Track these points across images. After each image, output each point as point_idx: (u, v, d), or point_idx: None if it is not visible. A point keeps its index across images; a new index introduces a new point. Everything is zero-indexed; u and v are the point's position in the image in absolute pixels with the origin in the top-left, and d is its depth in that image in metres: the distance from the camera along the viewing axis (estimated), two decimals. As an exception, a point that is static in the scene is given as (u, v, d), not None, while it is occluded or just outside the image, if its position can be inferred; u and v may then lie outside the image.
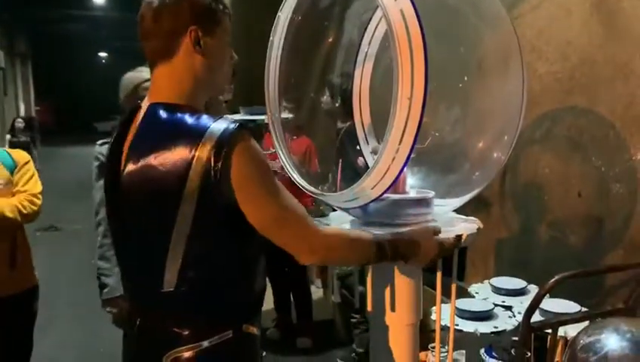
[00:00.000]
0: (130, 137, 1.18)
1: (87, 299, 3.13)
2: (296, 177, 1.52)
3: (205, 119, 1.10)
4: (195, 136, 1.07)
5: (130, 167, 1.13)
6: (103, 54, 26.48)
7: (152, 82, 1.19)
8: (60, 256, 5.73)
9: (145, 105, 1.19)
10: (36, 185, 2.24)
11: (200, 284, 1.13)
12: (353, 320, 3.09)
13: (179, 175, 1.06)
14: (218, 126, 1.08)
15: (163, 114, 1.14)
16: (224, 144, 1.06)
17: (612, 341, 1.01)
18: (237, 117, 3.03)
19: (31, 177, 2.24)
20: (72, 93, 23.67)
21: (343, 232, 1.28)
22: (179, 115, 1.12)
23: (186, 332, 1.13)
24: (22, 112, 17.00)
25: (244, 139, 1.08)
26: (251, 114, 2.93)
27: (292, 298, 3.59)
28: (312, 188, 1.49)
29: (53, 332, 3.81)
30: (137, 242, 1.19)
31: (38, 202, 2.22)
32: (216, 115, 1.16)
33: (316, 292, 3.84)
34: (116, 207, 1.20)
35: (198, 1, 1.15)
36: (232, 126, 1.08)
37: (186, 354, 1.12)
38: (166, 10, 1.13)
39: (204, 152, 1.06)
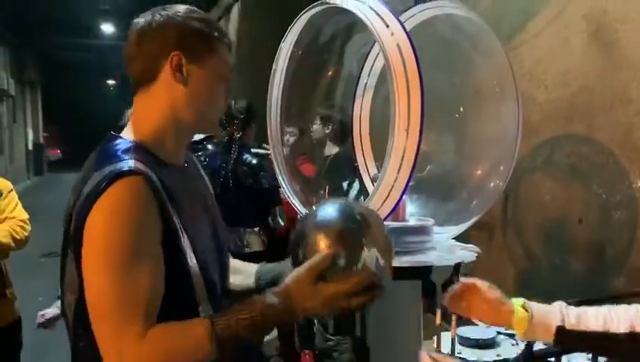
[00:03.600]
0: None
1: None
2: (297, 205, 1.54)
3: (119, 156, 0.98)
4: (97, 168, 0.97)
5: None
6: (111, 82, 26.90)
7: (132, 111, 1.09)
8: (65, 282, 5.73)
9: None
10: (22, 212, 2.28)
11: (91, 344, 0.95)
12: (330, 343, 3.08)
13: (69, 215, 0.98)
14: (115, 166, 0.96)
15: (105, 144, 1.05)
16: (101, 183, 0.93)
17: (323, 208, 1.03)
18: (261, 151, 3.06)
19: (16, 204, 2.27)
20: (80, 120, 23.98)
21: (165, 344, 0.93)
22: (110, 148, 1.02)
23: None
24: (30, 139, 17.19)
25: (117, 189, 0.93)
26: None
27: (295, 326, 3.57)
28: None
29: (55, 356, 3.80)
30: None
31: (28, 228, 2.25)
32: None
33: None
34: None
35: (186, 25, 1.03)
36: (120, 170, 0.95)
37: None
38: (150, 33, 1.03)
39: (89, 186, 0.95)
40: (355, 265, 0.93)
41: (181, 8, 1.05)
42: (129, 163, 0.97)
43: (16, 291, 2.30)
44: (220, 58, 1.05)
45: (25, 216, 2.27)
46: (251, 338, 0.94)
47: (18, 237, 2.19)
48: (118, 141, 1.04)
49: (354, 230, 0.95)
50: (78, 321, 1.00)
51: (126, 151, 1.01)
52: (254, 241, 3.13)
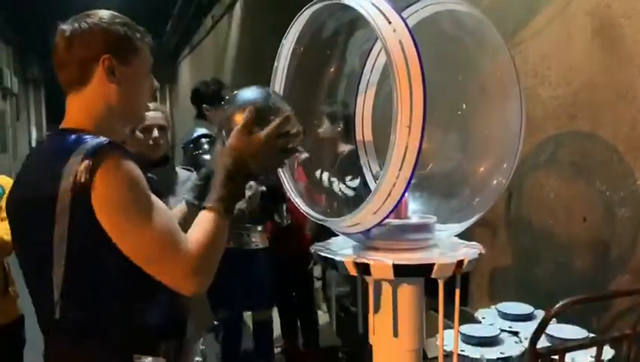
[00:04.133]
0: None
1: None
2: (299, 203, 1.53)
3: (88, 137, 1.08)
4: (70, 150, 1.05)
5: (14, 192, 1.16)
6: (114, 79, 27.01)
7: (66, 111, 1.19)
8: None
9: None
10: None
11: (84, 311, 1.09)
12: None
13: (51, 191, 1.03)
14: (93, 141, 1.06)
15: (57, 137, 1.15)
16: (90, 156, 1.03)
17: (241, 93, 1.23)
18: None
19: None
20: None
21: (201, 241, 1.10)
22: (69, 136, 1.11)
23: None
24: (33, 137, 17.23)
25: (113, 156, 1.04)
26: None
27: (299, 323, 3.57)
28: (316, 215, 1.50)
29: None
30: (28, 270, 1.16)
31: None
32: None
33: (322, 316, 3.82)
34: (13, 235, 1.21)
35: (112, 30, 1.14)
36: (105, 141, 1.06)
37: None
38: (78, 39, 1.13)
39: (73, 164, 1.02)
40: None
41: (105, 14, 1.17)
42: (102, 138, 1.08)
43: (18, 289, 2.30)
44: (143, 56, 1.20)
45: None
46: (239, 191, 1.17)
47: None
48: (68, 134, 1.13)
49: (266, 109, 1.18)
50: (67, 294, 1.07)
51: (86, 134, 1.11)
52: (258, 238, 3.13)
